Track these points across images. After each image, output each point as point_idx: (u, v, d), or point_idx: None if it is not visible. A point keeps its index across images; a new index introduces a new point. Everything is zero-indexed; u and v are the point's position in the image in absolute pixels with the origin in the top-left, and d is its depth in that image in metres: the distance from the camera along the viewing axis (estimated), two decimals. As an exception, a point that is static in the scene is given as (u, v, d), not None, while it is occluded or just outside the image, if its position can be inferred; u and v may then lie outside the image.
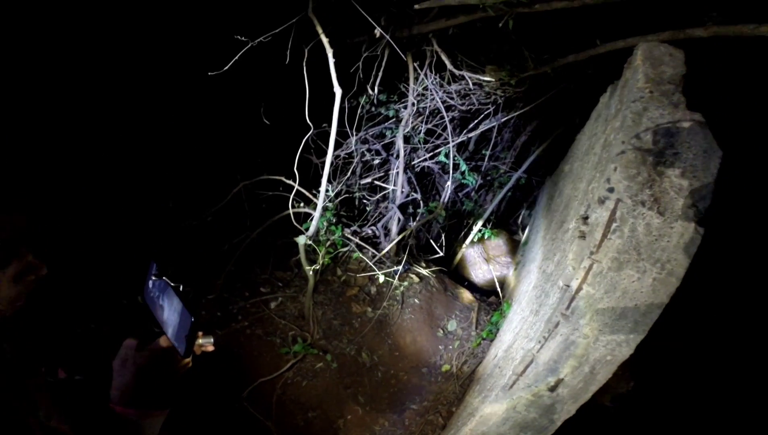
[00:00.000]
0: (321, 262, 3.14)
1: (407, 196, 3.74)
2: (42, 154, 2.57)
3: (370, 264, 3.41)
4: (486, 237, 4.00)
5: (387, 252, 3.66)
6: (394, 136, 3.66)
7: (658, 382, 3.01)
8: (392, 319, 3.48)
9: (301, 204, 3.21)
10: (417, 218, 3.63)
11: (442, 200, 3.77)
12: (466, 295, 3.96)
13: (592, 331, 1.83)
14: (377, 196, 3.92)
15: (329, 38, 2.41)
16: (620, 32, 2.47)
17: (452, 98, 3.45)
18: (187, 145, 3.27)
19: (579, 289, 1.82)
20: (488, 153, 4.06)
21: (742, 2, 2.09)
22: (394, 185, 3.69)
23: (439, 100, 3.39)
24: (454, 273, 4.40)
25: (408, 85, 3.36)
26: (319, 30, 2.40)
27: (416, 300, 3.62)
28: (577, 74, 3.08)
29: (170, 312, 1.14)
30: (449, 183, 3.67)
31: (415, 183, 3.86)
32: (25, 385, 1.01)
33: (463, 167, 3.81)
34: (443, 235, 4.07)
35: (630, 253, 1.72)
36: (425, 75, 3.32)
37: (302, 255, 3.06)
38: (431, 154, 3.86)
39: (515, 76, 3.04)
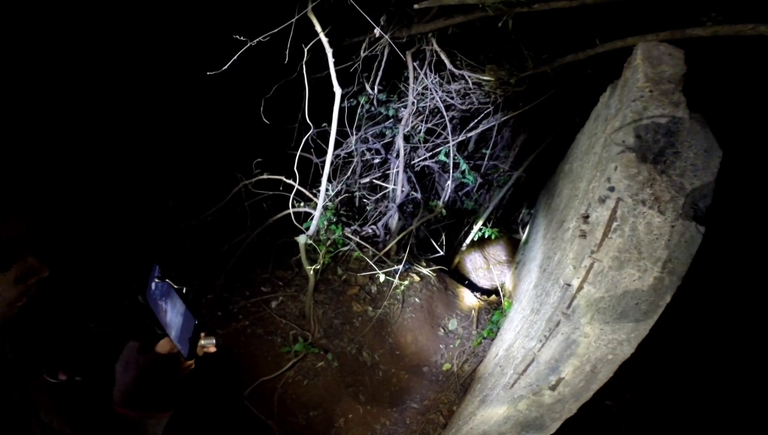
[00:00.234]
0: (321, 262, 3.14)
1: (407, 195, 3.74)
2: (42, 155, 2.57)
3: (371, 263, 3.41)
4: (486, 236, 4.00)
5: (387, 251, 3.66)
6: (394, 136, 3.66)
7: (659, 381, 3.01)
8: (393, 318, 3.48)
9: (302, 203, 3.21)
10: (417, 217, 3.63)
11: (442, 199, 3.77)
12: (467, 294, 3.97)
13: (593, 329, 1.84)
14: (377, 196, 3.92)
15: (329, 38, 2.41)
16: (619, 32, 2.47)
17: (452, 97, 3.45)
18: (187, 144, 3.27)
19: (580, 287, 1.82)
20: (488, 152, 4.06)
21: (742, 2, 2.10)
22: (395, 184, 3.70)
23: (438, 100, 3.39)
24: (455, 272, 4.40)
25: (408, 84, 3.36)
26: (319, 29, 2.40)
27: (417, 299, 3.62)
28: (577, 74, 3.08)
29: (173, 314, 1.14)
30: (449, 182, 3.67)
31: (415, 182, 3.86)
32: (26, 387, 1.01)
33: (463, 166, 3.81)
34: (443, 235, 4.07)
35: (631, 252, 1.73)
36: (425, 74, 3.33)
37: (303, 254, 3.06)
38: (431, 153, 3.86)
39: (515, 75, 3.04)
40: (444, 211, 3.55)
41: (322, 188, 2.78)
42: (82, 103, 2.77)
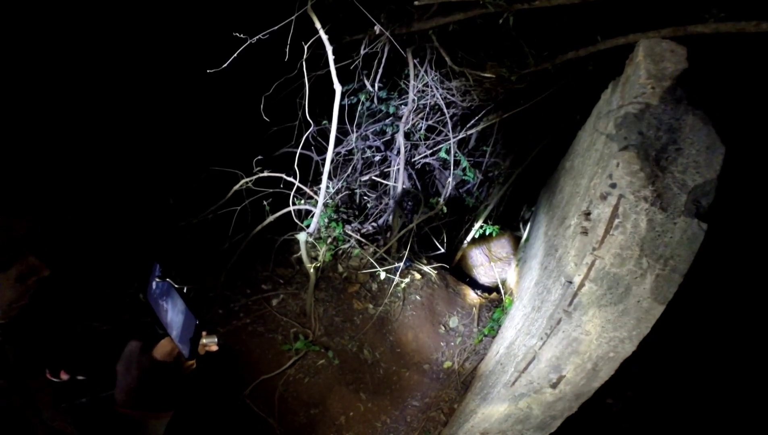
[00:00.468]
0: (322, 259, 3.14)
1: (408, 192, 3.73)
2: (42, 155, 2.56)
3: (372, 261, 3.40)
4: (487, 233, 4.00)
5: (388, 248, 3.65)
6: (395, 133, 3.65)
7: (661, 379, 3.01)
8: (394, 316, 3.48)
9: (302, 201, 3.21)
10: (418, 215, 3.62)
11: (443, 197, 3.77)
12: (468, 292, 3.97)
13: (595, 327, 1.83)
14: (378, 193, 3.91)
15: (329, 35, 2.40)
16: (621, 28, 2.45)
17: (452, 95, 3.44)
18: (188, 142, 3.27)
19: (581, 285, 1.81)
20: (489, 149, 4.05)
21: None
22: (395, 182, 3.69)
23: (439, 97, 3.38)
24: (456, 270, 4.40)
25: (408, 81, 3.35)
26: (319, 27, 2.39)
27: (418, 297, 3.62)
28: (578, 71, 3.07)
29: (174, 314, 1.14)
30: (450, 179, 3.67)
31: (416, 179, 3.86)
32: (28, 386, 1.01)
33: (464, 163, 3.81)
34: (444, 232, 4.07)
35: (633, 249, 1.72)
36: (425, 71, 3.32)
37: (303, 252, 3.06)
38: (432, 150, 3.85)
39: (515, 72, 3.03)
40: (445, 208, 3.54)
41: (323, 186, 2.77)
42: (81, 102, 2.76)
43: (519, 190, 4.37)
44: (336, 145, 3.17)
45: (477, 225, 4.11)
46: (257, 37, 2.43)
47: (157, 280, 1.19)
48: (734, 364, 3.02)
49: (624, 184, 1.75)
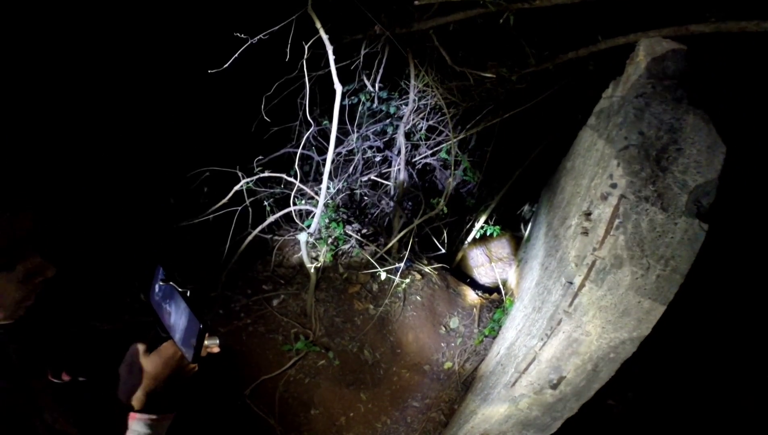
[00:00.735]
0: (323, 259, 3.14)
1: (409, 193, 3.73)
2: (43, 154, 2.57)
3: (372, 261, 3.40)
4: (488, 234, 3.99)
5: (389, 249, 3.65)
6: (396, 133, 3.65)
7: (662, 380, 3.00)
8: (394, 317, 3.48)
9: (303, 201, 3.20)
10: (419, 215, 3.62)
11: (443, 197, 3.76)
12: (469, 293, 3.96)
13: (595, 328, 1.83)
14: (379, 193, 3.91)
15: (329, 35, 2.40)
16: (622, 28, 2.45)
17: (453, 95, 3.44)
18: (189, 142, 3.27)
19: (582, 285, 1.81)
20: (490, 149, 4.04)
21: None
22: (396, 182, 3.69)
23: (440, 97, 3.38)
24: (457, 270, 4.39)
25: (409, 81, 3.35)
26: (319, 26, 2.39)
27: (418, 297, 3.61)
28: (579, 70, 3.07)
29: (177, 317, 1.13)
30: (450, 179, 3.66)
31: (416, 180, 3.85)
32: (31, 387, 1.01)
33: (465, 164, 3.80)
34: (445, 232, 4.06)
35: (633, 250, 1.71)
36: (426, 71, 3.31)
37: (304, 252, 3.05)
38: (432, 150, 3.85)
39: (516, 72, 3.03)
40: (445, 208, 3.53)
41: (324, 186, 2.77)
42: (82, 102, 2.77)
43: (520, 190, 4.36)
44: (336, 146, 3.16)
45: (478, 225, 4.10)
46: (258, 37, 2.43)
47: (161, 283, 1.19)
48: (735, 364, 3.01)
49: (624, 184, 1.75)
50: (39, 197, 0.91)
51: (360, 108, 3.62)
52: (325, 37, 2.39)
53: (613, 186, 1.77)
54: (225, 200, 3.13)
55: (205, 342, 1.16)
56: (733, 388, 2.98)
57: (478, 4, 2.57)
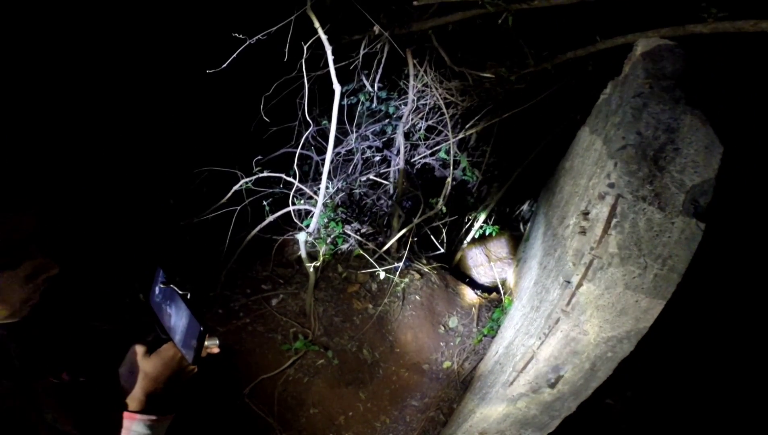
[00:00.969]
0: (322, 259, 3.14)
1: (408, 192, 3.73)
2: (44, 154, 2.57)
3: (371, 260, 3.40)
4: (487, 233, 4.00)
5: (388, 248, 3.65)
6: (395, 133, 3.65)
7: (660, 379, 3.01)
8: (393, 316, 3.48)
9: (302, 201, 3.21)
10: (418, 215, 3.62)
11: (442, 197, 3.76)
12: (468, 292, 3.97)
13: (593, 327, 1.83)
14: (378, 193, 3.92)
15: (328, 35, 2.40)
16: (620, 28, 2.45)
17: (452, 95, 3.44)
18: (188, 143, 3.27)
19: (579, 284, 1.82)
20: (489, 149, 4.05)
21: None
22: (395, 182, 3.69)
23: (439, 97, 3.38)
24: (456, 270, 4.40)
25: (408, 81, 3.35)
26: (318, 27, 2.39)
27: (417, 297, 3.62)
28: (578, 70, 3.07)
29: (177, 319, 1.14)
30: (449, 179, 3.66)
31: (415, 179, 3.86)
32: (33, 388, 1.01)
33: (464, 163, 3.81)
34: (444, 232, 4.07)
35: (631, 249, 1.72)
36: (425, 71, 3.32)
37: (303, 251, 3.06)
38: (431, 150, 3.85)
39: (515, 72, 3.03)
40: (444, 208, 3.54)
41: (323, 186, 2.78)
42: (82, 102, 2.77)
43: (519, 190, 4.37)
44: (336, 145, 3.17)
45: (477, 225, 4.11)
46: (257, 37, 2.44)
47: (161, 285, 1.19)
48: (734, 363, 3.02)
49: (622, 183, 1.76)
50: (41, 197, 0.92)
51: (359, 108, 3.63)
52: (324, 37, 2.40)
53: (611, 185, 1.78)
54: (224, 200, 3.14)
55: (206, 342, 1.16)
56: (732, 387, 2.99)
57: (476, 5, 2.58)
